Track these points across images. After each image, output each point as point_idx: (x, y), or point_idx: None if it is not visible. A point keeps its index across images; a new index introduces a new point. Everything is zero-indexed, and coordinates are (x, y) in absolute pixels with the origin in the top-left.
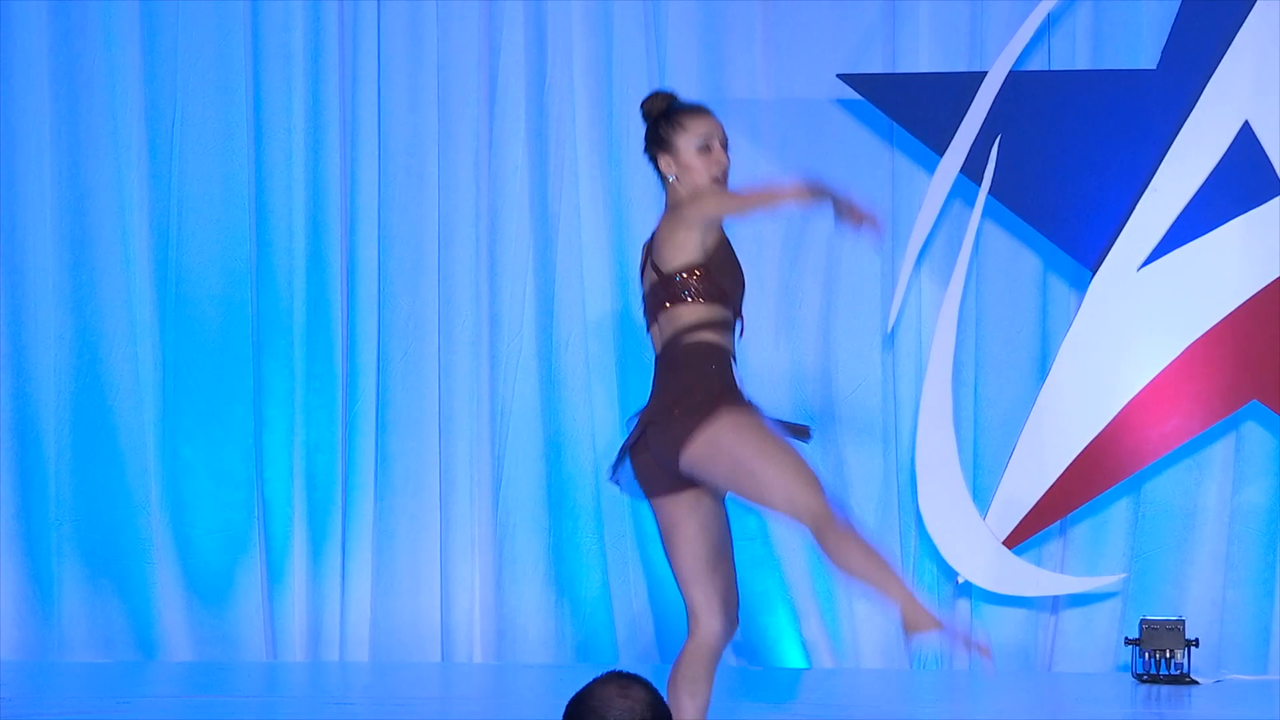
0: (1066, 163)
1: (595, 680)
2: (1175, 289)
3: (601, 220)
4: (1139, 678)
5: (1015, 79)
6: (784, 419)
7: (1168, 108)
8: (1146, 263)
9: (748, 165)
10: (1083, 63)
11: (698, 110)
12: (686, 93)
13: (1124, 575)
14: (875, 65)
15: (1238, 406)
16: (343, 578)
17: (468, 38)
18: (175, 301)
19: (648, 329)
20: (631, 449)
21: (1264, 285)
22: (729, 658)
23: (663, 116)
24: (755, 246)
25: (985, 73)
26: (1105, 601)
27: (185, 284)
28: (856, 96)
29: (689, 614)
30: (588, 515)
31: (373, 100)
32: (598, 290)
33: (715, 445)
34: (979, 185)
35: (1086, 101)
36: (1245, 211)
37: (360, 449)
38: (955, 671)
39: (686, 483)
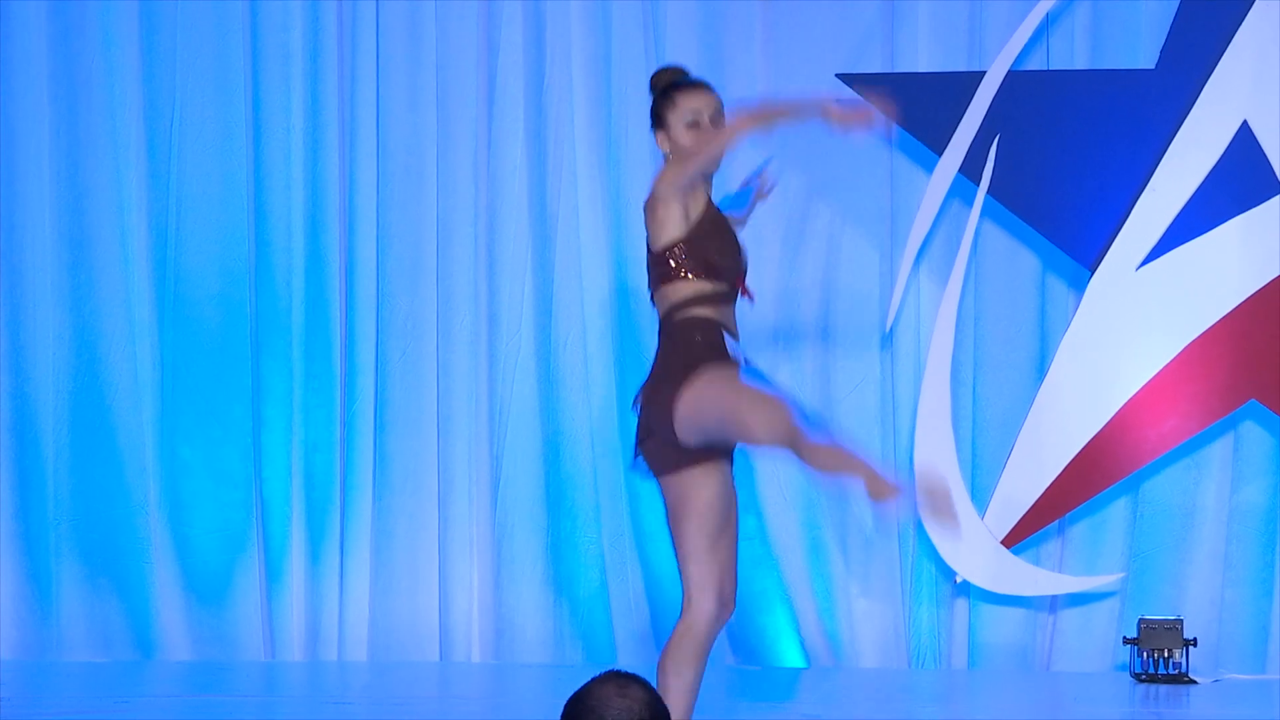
0: (1065, 162)
1: (593, 679)
2: (1174, 289)
3: (600, 220)
4: (1137, 677)
5: (1014, 79)
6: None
7: (1166, 107)
8: (1145, 262)
9: (748, 165)
10: (1081, 62)
11: (692, 86)
12: None
13: (1122, 575)
14: (874, 65)
15: (1236, 406)
16: (341, 577)
17: (466, 37)
18: (174, 301)
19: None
20: (640, 433)
21: (1262, 285)
22: (727, 657)
23: (662, 93)
24: (755, 246)
25: (984, 73)
26: (1103, 601)
27: (184, 283)
28: (856, 96)
29: (684, 593)
30: (586, 515)
31: (371, 100)
32: (596, 290)
33: (698, 404)
34: (978, 185)
35: (1085, 101)
36: (1244, 211)
37: (359, 448)
38: (954, 671)
39: (691, 460)
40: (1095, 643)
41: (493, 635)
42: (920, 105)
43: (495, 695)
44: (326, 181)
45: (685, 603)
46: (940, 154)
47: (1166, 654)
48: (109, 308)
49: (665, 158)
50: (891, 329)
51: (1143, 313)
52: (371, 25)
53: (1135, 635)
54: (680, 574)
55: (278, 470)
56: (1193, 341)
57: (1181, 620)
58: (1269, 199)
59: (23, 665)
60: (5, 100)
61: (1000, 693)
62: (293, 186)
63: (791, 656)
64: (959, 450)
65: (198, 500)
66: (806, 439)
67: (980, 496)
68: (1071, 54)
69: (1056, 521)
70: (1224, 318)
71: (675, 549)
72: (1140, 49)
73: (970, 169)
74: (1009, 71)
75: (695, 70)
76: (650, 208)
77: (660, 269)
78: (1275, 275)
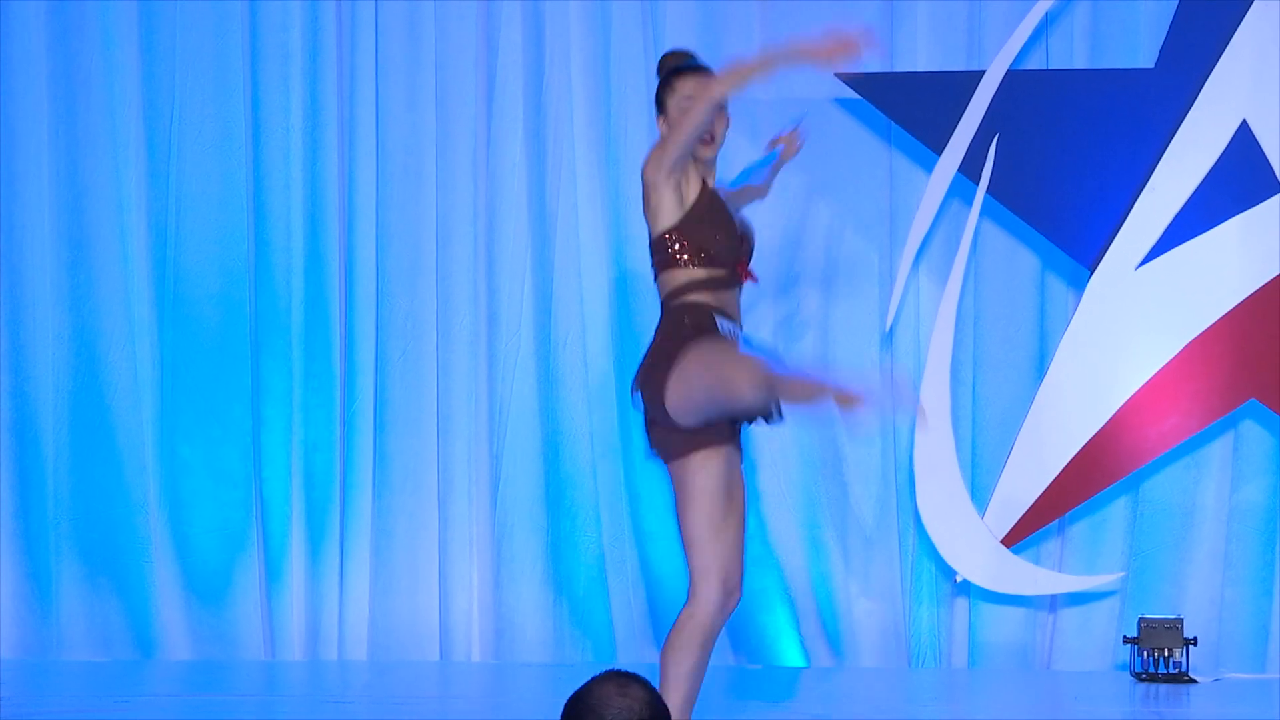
0: (1064, 162)
1: (593, 679)
2: (1173, 288)
3: (599, 219)
4: (1137, 676)
5: (1013, 78)
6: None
7: (1166, 107)
8: (1145, 261)
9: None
10: (1080, 62)
11: (690, 71)
12: None
13: (1122, 574)
14: (874, 65)
15: (1236, 405)
16: (341, 576)
17: (466, 37)
18: (173, 300)
19: None
20: (645, 421)
21: (1262, 284)
22: (727, 656)
23: (665, 78)
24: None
25: (983, 72)
26: (1103, 600)
27: (183, 283)
28: (855, 96)
29: (689, 581)
30: (586, 514)
31: (371, 99)
32: (596, 289)
33: (686, 383)
34: (977, 184)
35: (1084, 101)
36: (1243, 210)
37: (358, 448)
38: (954, 670)
39: (694, 445)
40: (1095, 642)
41: (492, 634)
42: (919, 105)
43: (495, 694)
44: (326, 181)
45: (689, 591)
46: (939, 153)
47: (1166, 653)
48: (108, 307)
49: None
50: (891, 328)
51: (1142, 312)
52: (371, 25)
53: (1135, 634)
54: (686, 562)
55: (277, 469)
56: (1192, 341)
57: (1181, 619)
58: (1268, 198)
59: (23, 664)
60: (5, 100)
61: (1000, 692)
62: (292, 186)
63: (791, 655)
64: (959, 449)
65: (197, 499)
66: (782, 381)
67: (980, 496)
68: (1071, 53)
69: (1056, 521)
70: (1224, 317)
71: (680, 536)
72: (1139, 48)
73: (970, 168)
74: (1008, 71)
75: None
76: (645, 195)
77: (659, 255)
78: (1275, 274)
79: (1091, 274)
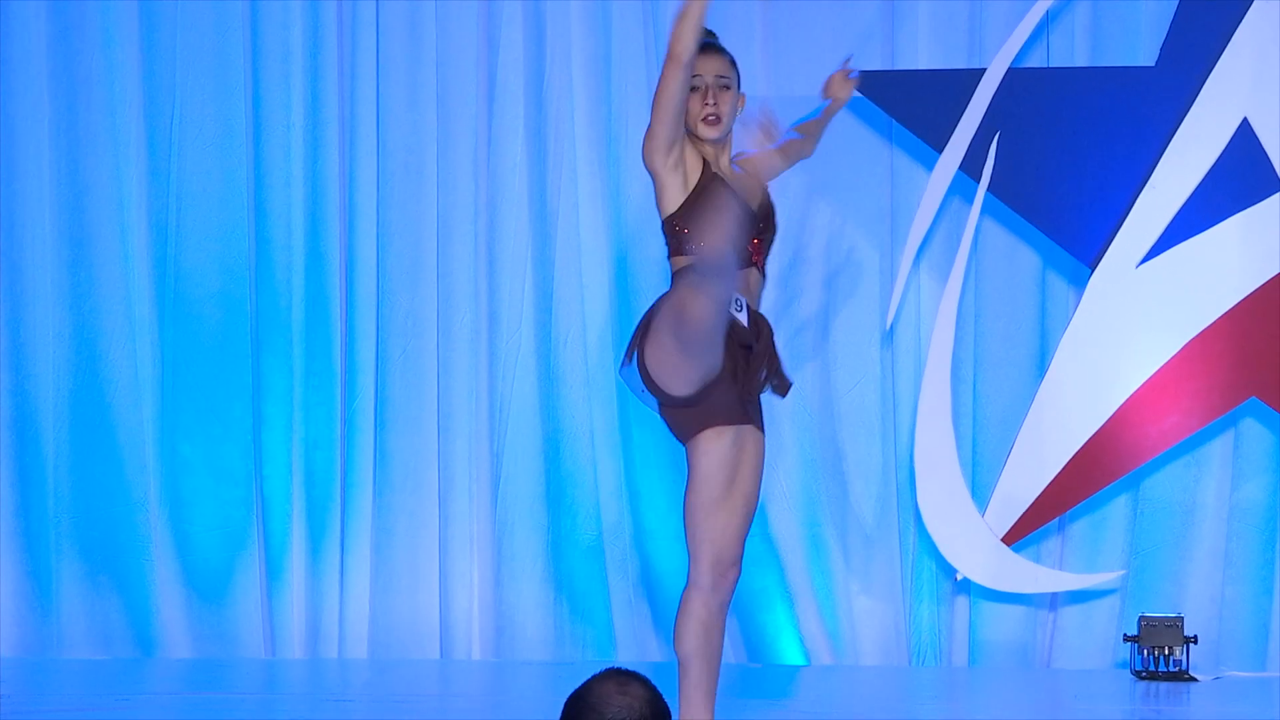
0: (1065, 160)
1: (594, 677)
2: (1174, 286)
3: (600, 217)
4: (1138, 675)
5: (1014, 76)
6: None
7: (1166, 105)
8: (1145, 260)
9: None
10: (1081, 60)
11: (700, 51)
12: None
13: (1123, 572)
14: (874, 63)
15: (1236, 403)
16: (341, 575)
17: (466, 35)
18: (174, 298)
19: None
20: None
21: (1263, 282)
22: (727, 654)
23: None
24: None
25: (984, 70)
26: (1104, 598)
27: (184, 281)
28: (855, 94)
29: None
30: (586, 512)
31: (371, 98)
32: (596, 287)
33: (655, 337)
34: (978, 182)
35: (1085, 99)
36: (1244, 208)
37: (359, 446)
38: (954, 668)
39: (701, 424)
40: (1096, 640)
41: (493, 632)
42: (920, 102)
43: (496, 693)
44: (326, 179)
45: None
46: (940, 151)
47: (1167, 651)
48: (109, 305)
49: None
50: (892, 326)
51: (1143, 310)
52: (371, 23)
53: (1136, 633)
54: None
55: (278, 468)
56: (1193, 339)
57: (1182, 618)
58: (1269, 196)
59: (23, 663)
60: (5, 99)
61: (1001, 690)
62: (293, 184)
63: (791, 654)
64: (959, 448)
65: (198, 497)
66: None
67: (980, 494)
68: (1072, 51)
69: (1057, 519)
70: (1224, 315)
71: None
72: (1140, 46)
73: (970, 166)
74: (1009, 69)
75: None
76: (653, 184)
77: (668, 240)
78: (1276, 272)
79: (1092, 272)
